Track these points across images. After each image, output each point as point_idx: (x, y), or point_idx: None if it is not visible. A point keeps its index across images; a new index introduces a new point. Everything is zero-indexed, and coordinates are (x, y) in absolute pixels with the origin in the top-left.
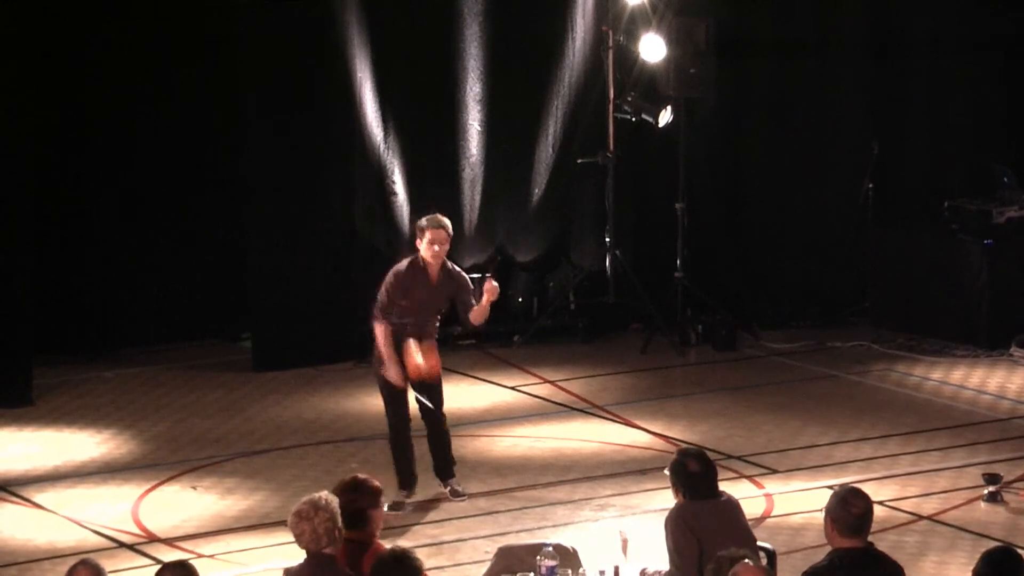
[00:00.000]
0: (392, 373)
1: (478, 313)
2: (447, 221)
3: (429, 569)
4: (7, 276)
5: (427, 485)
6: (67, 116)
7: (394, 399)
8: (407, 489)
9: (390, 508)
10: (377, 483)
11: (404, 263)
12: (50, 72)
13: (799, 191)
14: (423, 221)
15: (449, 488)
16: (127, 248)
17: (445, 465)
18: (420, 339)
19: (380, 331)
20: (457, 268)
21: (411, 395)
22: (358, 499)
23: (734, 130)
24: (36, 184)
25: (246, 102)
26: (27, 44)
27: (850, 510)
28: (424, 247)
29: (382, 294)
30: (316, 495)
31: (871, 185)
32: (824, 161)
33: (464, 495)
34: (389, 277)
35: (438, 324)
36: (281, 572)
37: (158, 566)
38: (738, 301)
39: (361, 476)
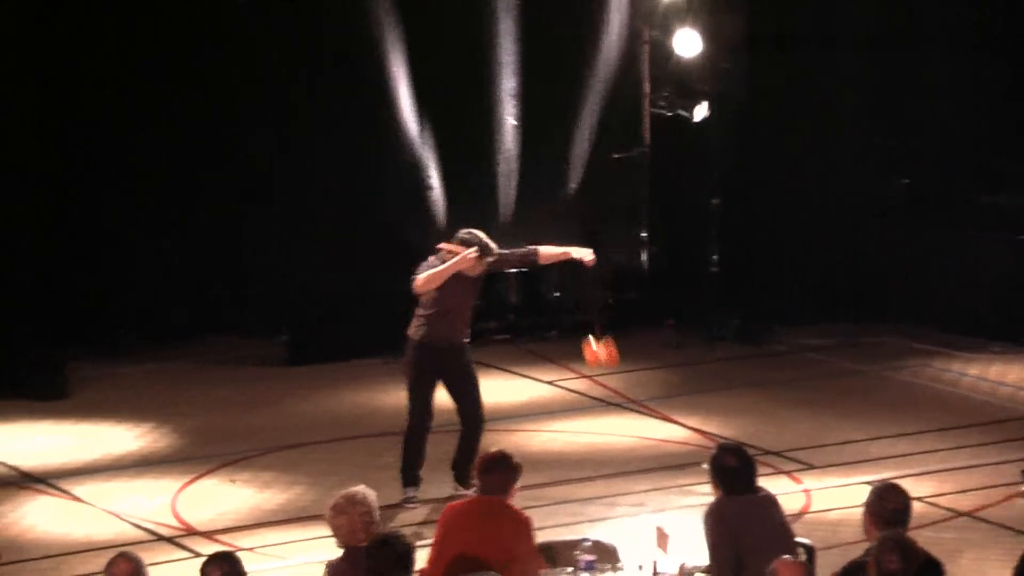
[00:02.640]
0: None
1: (550, 256)
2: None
3: None
4: (46, 270)
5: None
6: (103, 111)
7: (420, 394)
8: (414, 487)
9: (404, 503)
10: (518, 462)
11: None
12: (77, 66)
13: (833, 186)
14: (478, 248)
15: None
16: (165, 244)
17: (469, 470)
18: (450, 340)
19: (425, 279)
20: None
21: (438, 393)
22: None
23: (768, 125)
24: (78, 180)
25: (283, 99)
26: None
27: (886, 505)
28: (473, 267)
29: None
30: (353, 489)
31: (906, 181)
32: (859, 156)
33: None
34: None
35: (468, 326)
36: (323, 565)
37: (197, 559)
38: (773, 296)
39: (505, 452)
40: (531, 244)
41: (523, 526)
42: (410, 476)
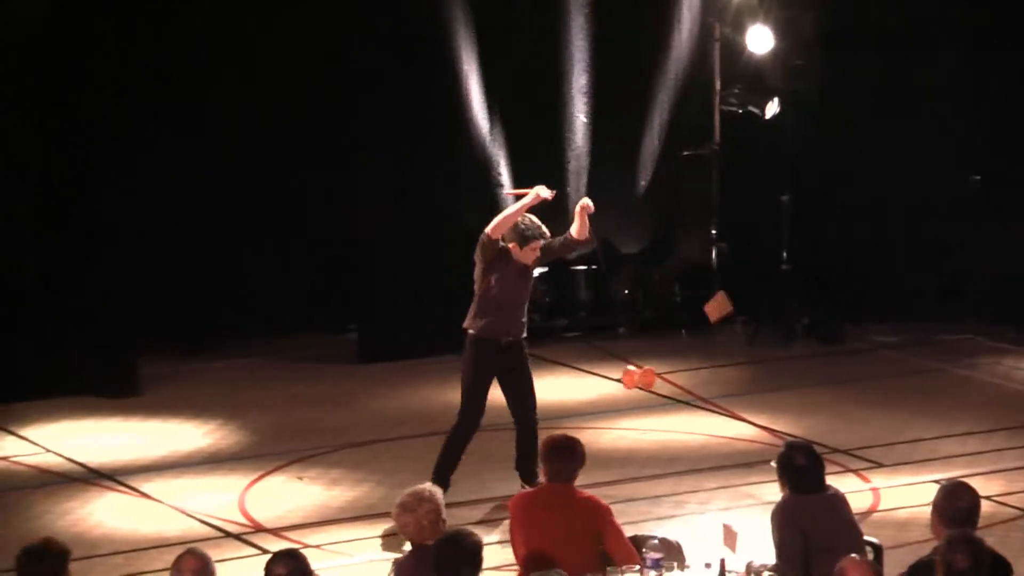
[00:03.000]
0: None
1: (579, 229)
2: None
3: None
4: (116, 269)
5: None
6: (176, 112)
7: (476, 394)
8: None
9: None
10: (582, 447)
11: None
12: (154, 60)
13: (905, 182)
14: (528, 229)
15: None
16: (234, 241)
17: (532, 467)
18: (509, 334)
19: (496, 223)
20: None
21: (491, 395)
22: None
23: (841, 121)
24: (144, 177)
25: (351, 96)
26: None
27: (955, 504)
28: (526, 252)
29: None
30: (420, 487)
31: (978, 176)
32: (930, 152)
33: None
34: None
35: (525, 321)
36: (389, 563)
37: (264, 555)
38: (844, 293)
39: (571, 437)
40: (601, 239)
41: (598, 509)
42: (442, 479)
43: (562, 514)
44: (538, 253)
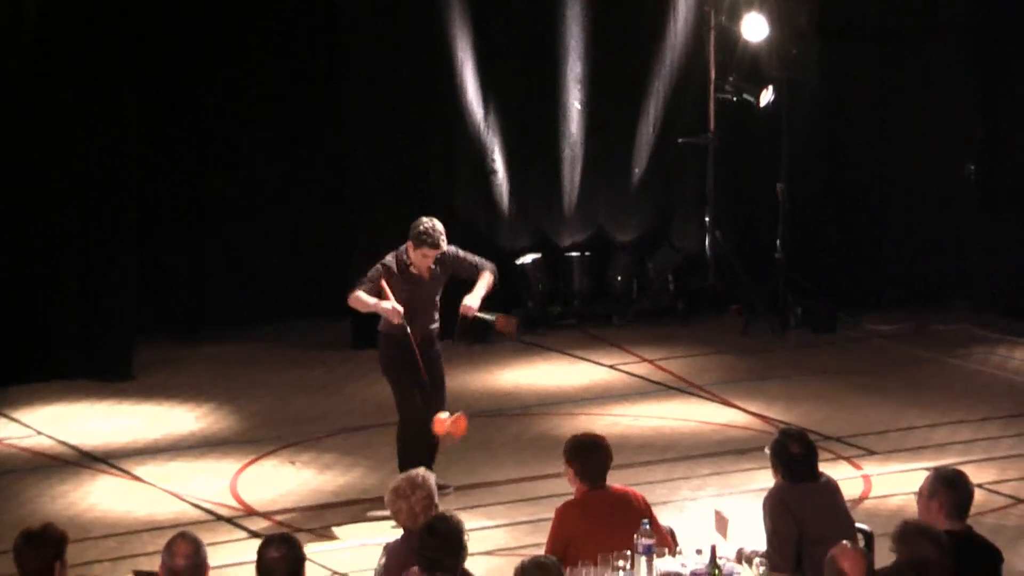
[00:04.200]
0: (391, 312)
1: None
2: (444, 240)
3: (527, 547)
4: (113, 254)
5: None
6: (173, 100)
7: (404, 390)
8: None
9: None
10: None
11: (392, 261)
12: (151, 49)
13: (901, 173)
14: (423, 233)
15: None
16: (230, 227)
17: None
18: (418, 334)
19: (356, 297)
20: (449, 250)
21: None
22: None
23: (836, 111)
24: (142, 164)
25: (348, 85)
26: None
27: (960, 492)
28: (418, 257)
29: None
30: (413, 472)
31: (973, 168)
32: (927, 144)
33: (451, 487)
34: (379, 268)
35: (436, 316)
36: (381, 548)
37: (256, 539)
38: (838, 283)
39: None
40: (596, 229)
41: (645, 500)
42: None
43: (628, 518)
44: (430, 263)
